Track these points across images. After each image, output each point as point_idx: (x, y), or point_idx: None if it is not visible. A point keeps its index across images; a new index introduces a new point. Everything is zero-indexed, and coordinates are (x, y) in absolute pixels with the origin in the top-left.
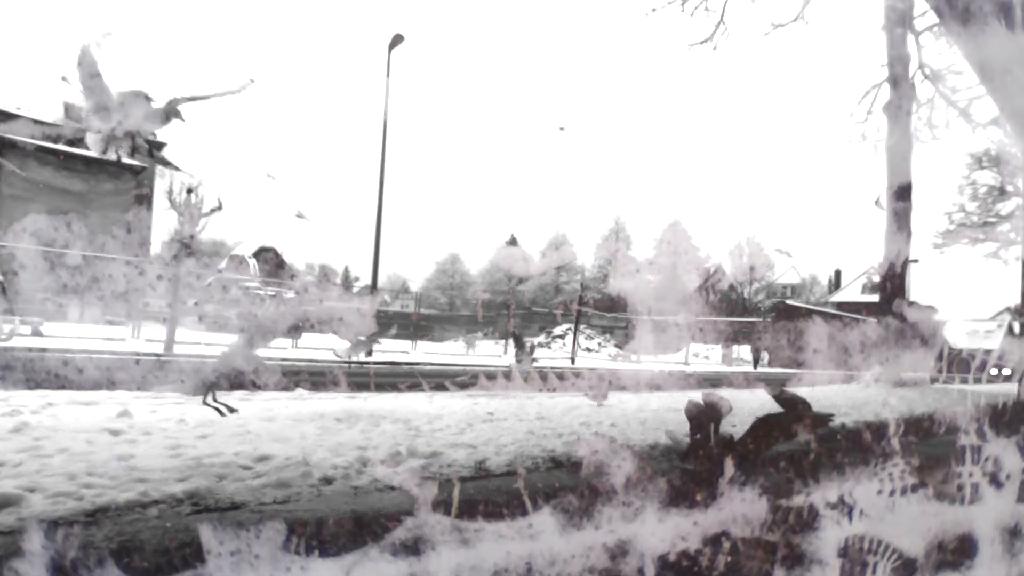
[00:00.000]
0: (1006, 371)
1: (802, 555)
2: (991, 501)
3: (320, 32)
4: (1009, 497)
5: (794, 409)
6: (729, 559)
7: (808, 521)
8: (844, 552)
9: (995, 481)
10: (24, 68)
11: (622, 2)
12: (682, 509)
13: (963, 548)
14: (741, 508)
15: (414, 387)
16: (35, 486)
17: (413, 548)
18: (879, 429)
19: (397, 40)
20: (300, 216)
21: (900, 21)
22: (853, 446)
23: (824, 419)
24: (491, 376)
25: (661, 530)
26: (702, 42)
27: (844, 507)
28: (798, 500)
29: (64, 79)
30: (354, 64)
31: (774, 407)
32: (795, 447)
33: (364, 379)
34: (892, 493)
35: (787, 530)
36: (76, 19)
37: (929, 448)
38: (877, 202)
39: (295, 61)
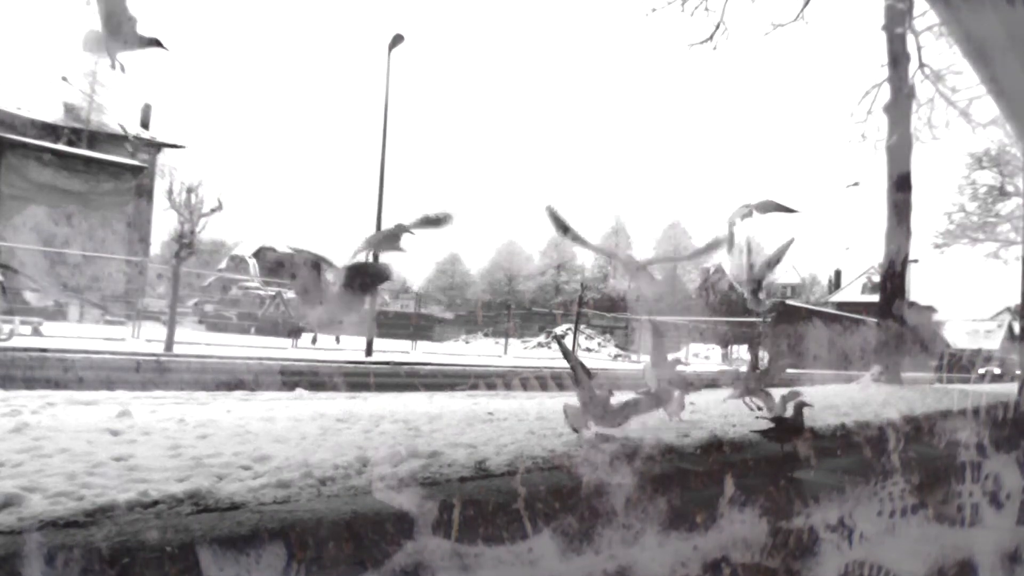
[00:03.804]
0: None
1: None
2: (989, 516)
3: (320, 32)
4: (1010, 513)
5: None
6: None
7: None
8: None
9: (995, 501)
10: (24, 68)
11: (622, 2)
12: (681, 509)
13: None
14: (742, 531)
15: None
16: (35, 486)
17: (413, 551)
18: (878, 430)
19: (397, 40)
20: None
21: (900, 21)
22: (851, 446)
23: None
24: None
25: (664, 527)
26: (702, 42)
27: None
28: (797, 521)
29: (64, 79)
30: (354, 64)
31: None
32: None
33: (364, 379)
34: (892, 513)
35: (787, 556)
36: (76, 19)
37: (925, 449)
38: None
39: (295, 61)
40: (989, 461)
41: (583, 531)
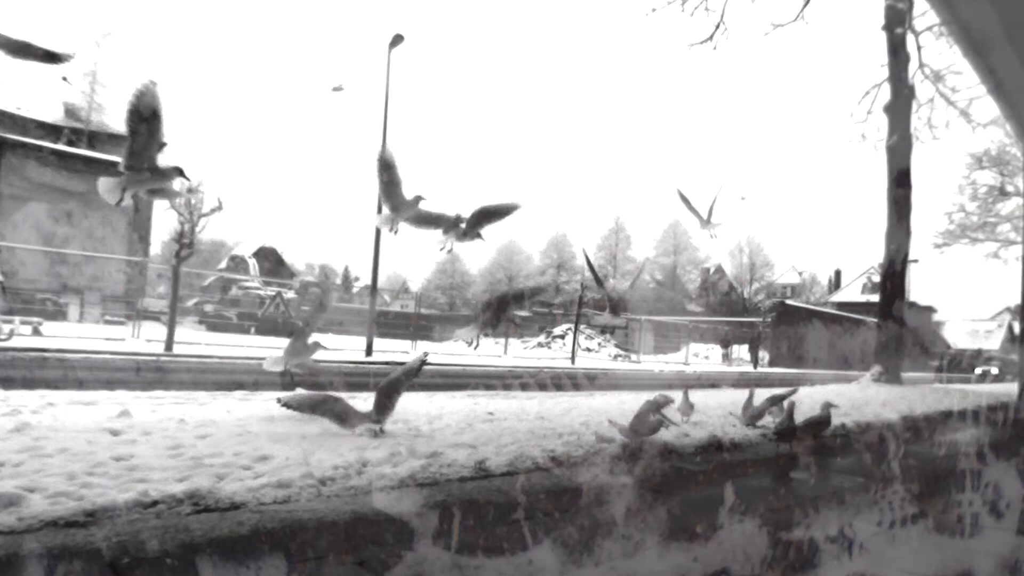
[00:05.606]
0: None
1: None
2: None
3: (320, 32)
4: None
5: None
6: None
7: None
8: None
9: (994, 509)
10: (24, 68)
11: (622, 2)
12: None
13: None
14: (741, 541)
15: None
16: (35, 486)
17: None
18: (878, 431)
19: (397, 40)
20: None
21: (900, 21)
22: (850, 446)
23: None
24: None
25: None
26: (702, 42)
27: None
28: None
29: (64, 79)
30: (354, 64)
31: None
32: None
33: (364, 379)
34: (892, 521)
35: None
36: (76, 19)
37: (924, 451)
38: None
39: (296, 61)
40: (987, 467)
41: (586, 531)
